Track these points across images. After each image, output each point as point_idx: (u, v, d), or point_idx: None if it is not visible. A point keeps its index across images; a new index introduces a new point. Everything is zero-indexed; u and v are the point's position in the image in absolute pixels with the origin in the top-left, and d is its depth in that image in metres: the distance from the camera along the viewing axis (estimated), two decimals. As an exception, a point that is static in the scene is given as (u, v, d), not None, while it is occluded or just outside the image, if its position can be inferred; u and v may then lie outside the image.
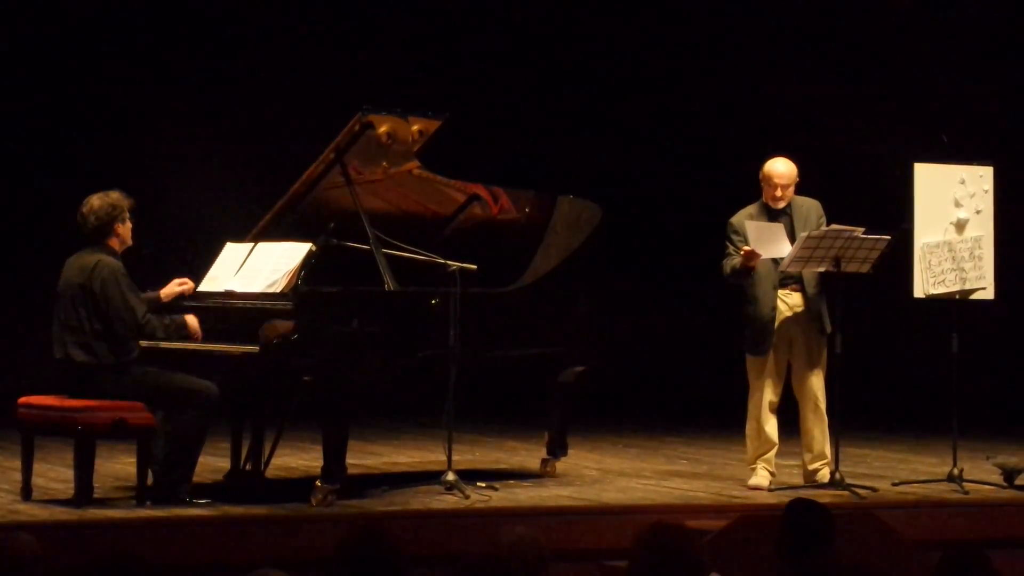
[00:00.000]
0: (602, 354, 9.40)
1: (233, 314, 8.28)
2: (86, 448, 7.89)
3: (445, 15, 13.23)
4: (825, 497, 7.99)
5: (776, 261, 8.81)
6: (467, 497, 8.26)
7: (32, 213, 11.88)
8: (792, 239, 8.78)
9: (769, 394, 8.92)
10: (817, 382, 8.94)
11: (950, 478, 8.97)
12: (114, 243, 8.14)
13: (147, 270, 8.49)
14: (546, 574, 4.97)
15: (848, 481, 8.73)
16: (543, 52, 13.45)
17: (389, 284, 8.36)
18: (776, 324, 8.88)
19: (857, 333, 9.00)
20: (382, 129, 8.51)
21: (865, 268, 8.85)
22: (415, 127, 8.62)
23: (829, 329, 8.89)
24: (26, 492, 8.08)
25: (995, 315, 10.18)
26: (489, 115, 12.74)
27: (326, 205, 8.76)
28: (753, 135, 11.91)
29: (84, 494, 7.86)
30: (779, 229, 8.81)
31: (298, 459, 9.74)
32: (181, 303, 8.41)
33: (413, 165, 8.74)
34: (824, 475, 8.91)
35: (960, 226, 9.17)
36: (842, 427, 8.89)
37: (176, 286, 8.46)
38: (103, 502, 8.04)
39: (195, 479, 8.10)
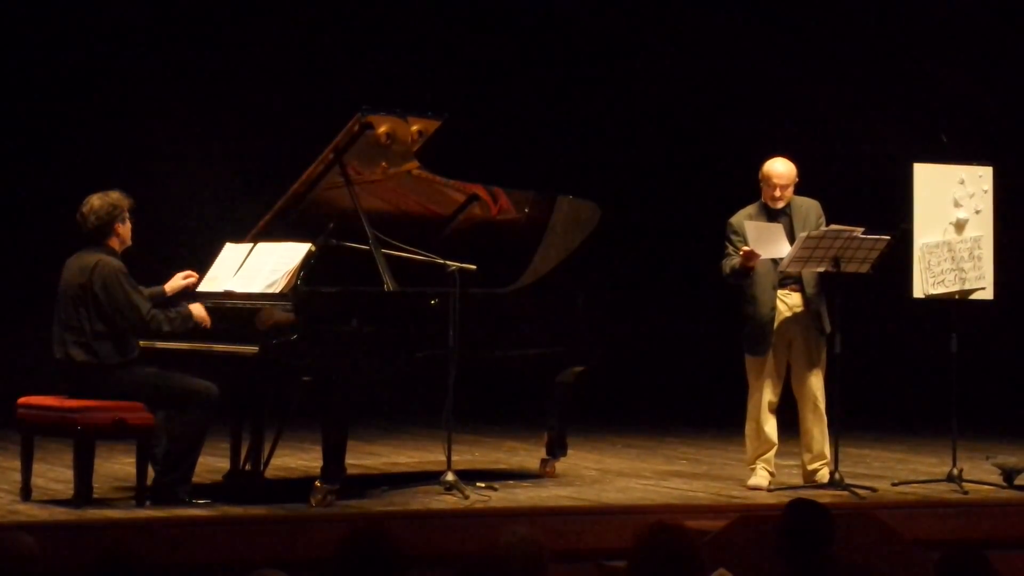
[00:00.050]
0: (601, 354, 9.39)
1: (233, 314, 8.28)
2: (86, 448, 7.89)
3: (445, 15, 13.23)
4: (825, 497, 7.99)
5: (775, 261, 8.81)
6: (467, 497, 8.26)
7: (32, 213, 11.88)
8: (791, 239, 8.78)
9: (768, 394, 8.92)
10: (816, 382, 8.94)
11: (950, 478, 8.97)
12: (114, 243, 8.14)
13: (148, 269, 8.49)
14: (546, 574, 4.97)
15: (847, 481, 8.73)
16: (543, 52, 13.45)
17: (388, 284, 8.36)
18: (775, 324, 8.88)
19: (857, 333, 8.99)
20: (381, 129, 8.51)
21: (864, 268, 8.85)
22: (414, 127, 8.62)
23: (828, 329, 8.89)
24: (26, 492, 8.07)
25: (994, 315, 10.18)
26: (489, 115, 12.75)
27: (325, 205, 8.76)
28: (753, 135, 11.91)
29: (84, 494, 7.86)
30: (778, 229, 8.82)
31: (298, 459, 9.74)
32: (186, 297, 8.42)
33: (412, 165, 8.74)
34: (823, 475, 8.91)
35: (959, 226, 9.17)
36: (841, 427, 8.89)
37: (180, 279, 8.46)
38: (103, 502, 8.04)
39: (195, 479, 8.10)
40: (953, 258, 9.11)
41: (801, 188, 9.03)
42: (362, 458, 9.85)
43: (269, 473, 8.88)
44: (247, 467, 8.75)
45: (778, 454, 9.03)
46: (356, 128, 8.45)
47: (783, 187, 8.93)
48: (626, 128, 13.56)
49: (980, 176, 9.24)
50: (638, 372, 12.93)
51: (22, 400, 8.18)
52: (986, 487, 9.01)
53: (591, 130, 13.45)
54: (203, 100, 12.34)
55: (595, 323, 9.35)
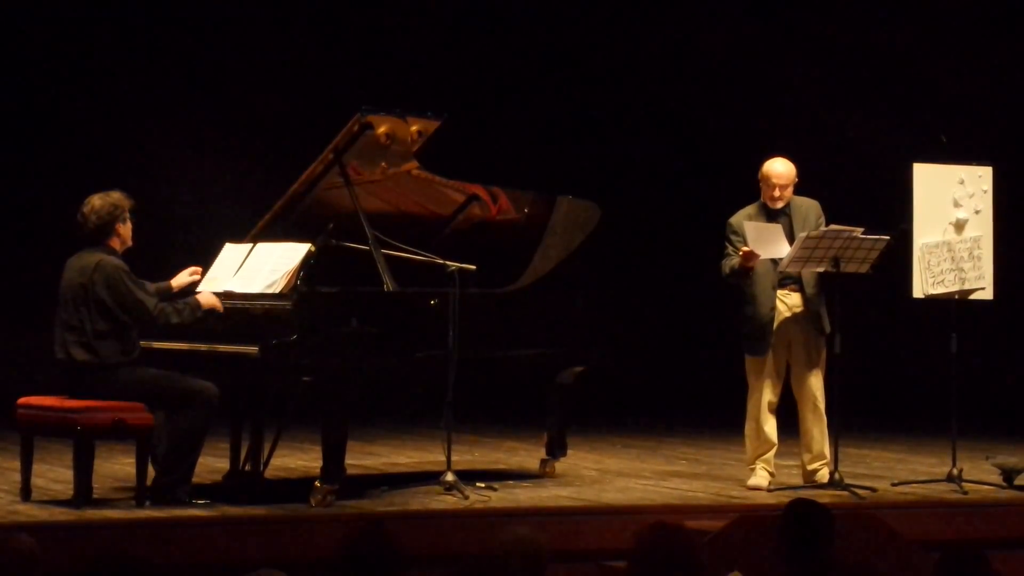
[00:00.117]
0: (601, 354, 9.39)
1: (232, 314, 8.28)
2: (85, 448, 7.89)
3: (445, 15, 13.23)
4: (824, 497, 7.99)
5: (775, 261, 8.81)
6: (466, 497, 8.26)
7: (32, 213, 11.88)
8: (791, 239, 8.78)
9: (768, 394, 8.92)
10: (816, 382, 8.94)
11: (949, 478, 8.97)
12: (115, 243, 8.14)
13: (148, 270, 8.49)
14: (546, 574, 4.98)
15: (847, 481, 8.73)
16: (543, 52, 13.45)
17: (388, 284, 8.36)
18: (775, 324, 8.88)
19: (856, 333, 9.00)
20: (381, 130, 8.51)
21: (864, 268, 8.85)
22: (414, 127, 8.62)
23: (828, 329, 8.89)
24: (25, 493, 8.07)
25: (994, 315, 10.19)
26: (489, 115, 12.75)
27: (325, 205, 8.76)
28: (753, 135, 11.92)
29: (83, 494, 7.86)
30: (777, 230, 8.81)
31: (297, 459, 9.74)
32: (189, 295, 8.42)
33: (412, 165, 8.74)
34: (823, 475, 8.91)
35: (959, 226, 9.17)
36: (841, 427, 8.89)
37: (187, 276, 8.47)
38: (102, 502, 8.04)
39: (195, 479, 8.10)
40: (953, 258, 9.11)
41: (801, 188, 9.03)
42: (362, 458, 9.85)
43: (269, 473, 8.88)
44: (247, 467, 8.75)
45: (778, 454, 9.03)
46: (356, 128, 8.45)
47: (783, 187, 8.93)
48: (626, 128, 13.56)
49: (980, 176, 9.24)
50: (638, 372, 12.93)
51: (22, 400, 8.18)
52: (986, 487, 9.01)
53: (591, 130, 13.45)
54: (203, 100, 12.34)
55: (595, 323, 9.35)
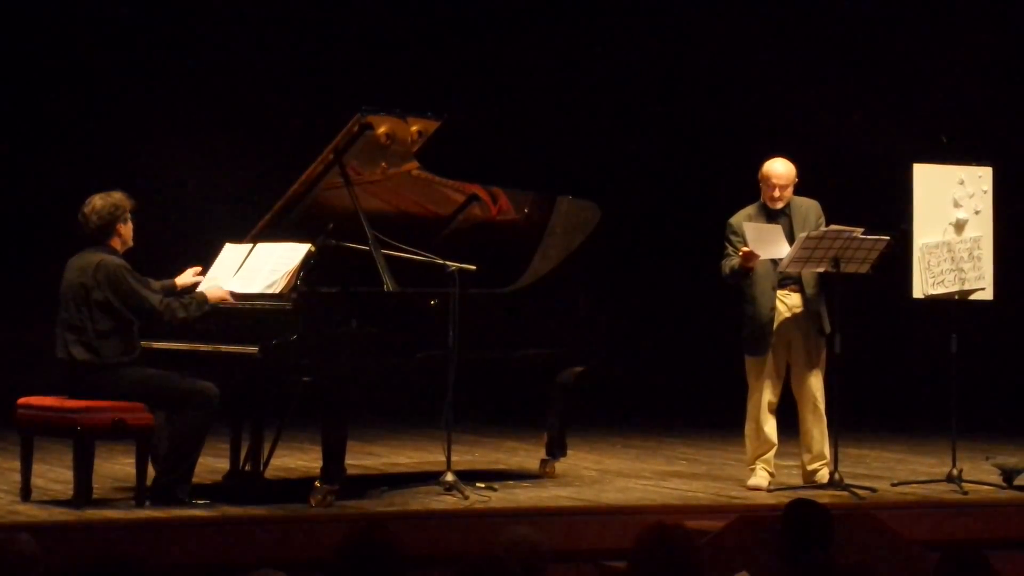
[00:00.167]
0: (601, 355, 9.39)
1: (232, 315, 8.28)
2: (85, 449, 7.89)
3: (445, 15, 13.23)
4: (824, 497, 7.99)
5: (775, 262, 8.81)
6: (466, 498, 8.26)
7: (33, 213, 11.88)
8: (791, 239, 8.78)
9: (768, 395, 8.92)
10: (816, 382, 8.94)
11: (949, 478, 8.97)
12: (116, 243, 8.14)
13: (148, 270, 8.49)
14: (546, 574, 4.98)
15: (847, 482, 8.73)
16: (543, 52, 13.45)
17: (388, 285, 8.36)
18: (775, 325, 8.88)
19: (856, 334, 8.99)
20: (381, 130, 8.51)
21: (864, 268, 8.85)
22: (414, 128, 8.62)
23: (828, 329, 8.89)
24: (25, 493, 8.07)
25: (994, 315, 10.18)
26: (489, 115, 12.74)
27: (325, 206, 8.75)
28: (753, 135, 11.92)
29: (83, 495, 7.86)
30: (777, 230, 8.81)
31: (297, 460, 9.74)
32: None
33: (412, 166, 8.74)
34: (823, 475, 8.91)
35: (959, 227, 9.17)
36: (841, 427, 8.89)
37: (191, 275, 8.47)
38: (102, 503, 8.04)
39: (195, 479, 8.09)
40: (953, 258, 9.11)
41: (801, 188, 9.03)
42: (362, 458, 9.85)
43: (269, 473, 8.88)
44: (247, 467, 8.75)
45: (778, 454, 9.03)
46: (356, 128, 8.45)
47: (782, 187, 8.93)
48: (626, 128, 13.56)
49: (980, 176, 9.24)
50: (638, 372, 12.93)
51: (22, 400, 8.18)
52: (986, 487, 9.01)
53: (591, 130, 13.44)
54: (204, 100, 12.34)
55: (595, 324, 9.35)
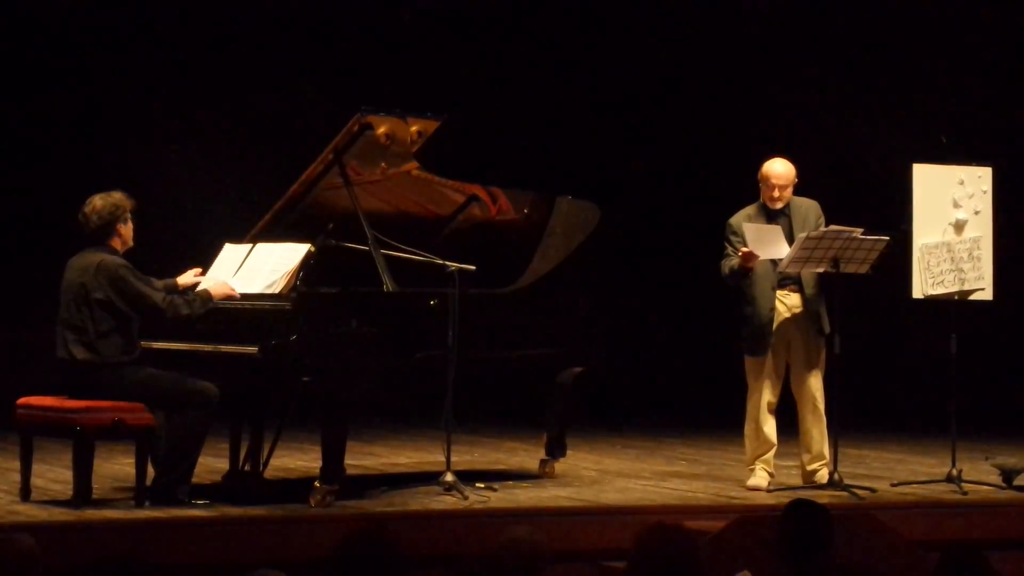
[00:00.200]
0: (601, 355, 9.39)
1: (232, 315, 8.28)
2: (85, 449, 7.89)
3: (445, 15, 13.23)
4: (824, 498, 7.99)
5: (775, 262, 8.81)
6: (466, 498, 8.26)
7: (33, 213, 11.88)
8: (791, 240, 8.78)
9: (768, 395, 8.92)
10: (815, 383, 8.94)
11: (949, 479, 8.97)
12: (116, 243, 8.15)
13: (149, 269, 8.49)
14: (545, 574, 4.98)
15: (847, 482, 8.74)
16: (543, 52, 13.45)
17: (388, 285, 8.36)
18: (774, 325, 8.88)
19: (856, 334, 9.00)
20: (381, 130, 8.51)
21: (864, 269, 8.85)
22: (414, 128, 8.62)
23: (828, 330, 8.89)
24: (25, 493, 8.08)
25: (994, 315, 10.18)
26: (489, 115, 12.74)
27: (325, 206, 8.76)
28: (753, 135, 11.92)
29: (83, 495, 7.86)
30: (776, 231, 8.81)
31: (297, 460, 9.74)
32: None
33: (412, 166, 8.74)
34: (823, 476, 8.91)
35: (959, 227, 9.17)
36: (841, 428, 8.89)
37: (192, 276, 8.47)
38: (102, 503, 8.04)
39: (194, 479, 8.10)
40: (952, 259, 9.11)
41: (801, 188, 9.03)
42: (361, 458, 9.85)
43: (268, 473, 8.87)
44: (246, 467, 8.75)
45: (777, 455, 9.03)
46: (355, 128, 8.45)
47: (782, 187, 8.93)
48: (626, 128, 13.55)
49: (979, 177, 9.24)
50: (637, 372, 12.93)
51: (21, 401, 8.18)
52: (985, 487, 9.01)
53: (591, 130, 13.44)
54: (204, 100, 12.34)
55: (595, 324, 9.35)
